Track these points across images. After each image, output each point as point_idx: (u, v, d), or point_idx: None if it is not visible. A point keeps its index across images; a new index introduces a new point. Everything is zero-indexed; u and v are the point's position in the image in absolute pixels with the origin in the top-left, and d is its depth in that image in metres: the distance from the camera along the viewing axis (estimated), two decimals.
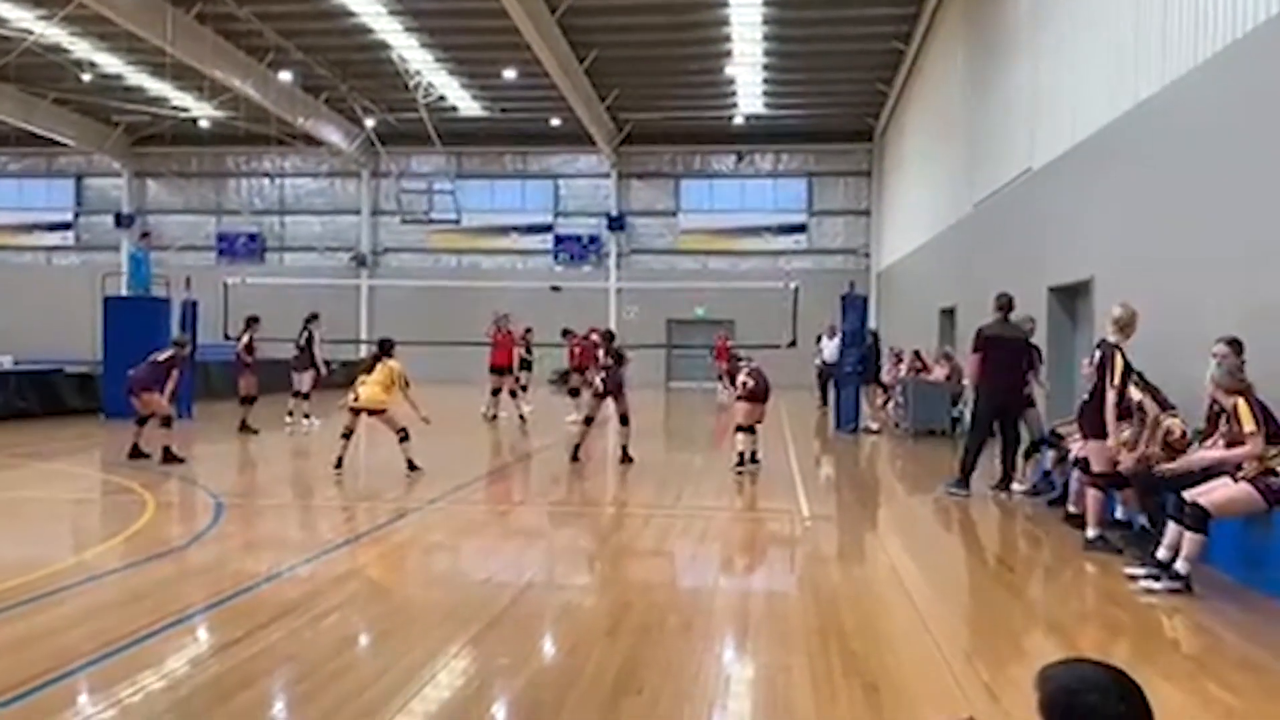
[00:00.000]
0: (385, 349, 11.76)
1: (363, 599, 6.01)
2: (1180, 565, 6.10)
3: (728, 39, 24.80)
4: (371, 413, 11.34)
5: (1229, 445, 6.29)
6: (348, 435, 11.29)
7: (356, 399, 11.30)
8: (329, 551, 7.23)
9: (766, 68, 27.10)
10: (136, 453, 11.93)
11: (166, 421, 12.03)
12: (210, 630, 5.27)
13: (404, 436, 11.26)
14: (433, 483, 10.52)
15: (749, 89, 29.08)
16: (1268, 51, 7.63)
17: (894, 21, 23.65)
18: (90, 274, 25.79)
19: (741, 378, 12.08)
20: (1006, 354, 10.01)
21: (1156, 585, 6.15)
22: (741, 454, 11.69)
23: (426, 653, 4.82)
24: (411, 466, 11.14)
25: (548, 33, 22.63)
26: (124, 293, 19.14)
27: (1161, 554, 6.28)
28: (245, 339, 16.19)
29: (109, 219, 36.75)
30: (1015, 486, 10.01)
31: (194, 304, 18.25)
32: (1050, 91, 13.31)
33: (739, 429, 11.81)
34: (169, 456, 11.68)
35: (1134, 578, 6.36)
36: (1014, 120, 15.11)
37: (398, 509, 9.04)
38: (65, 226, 37.43)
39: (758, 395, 11.80)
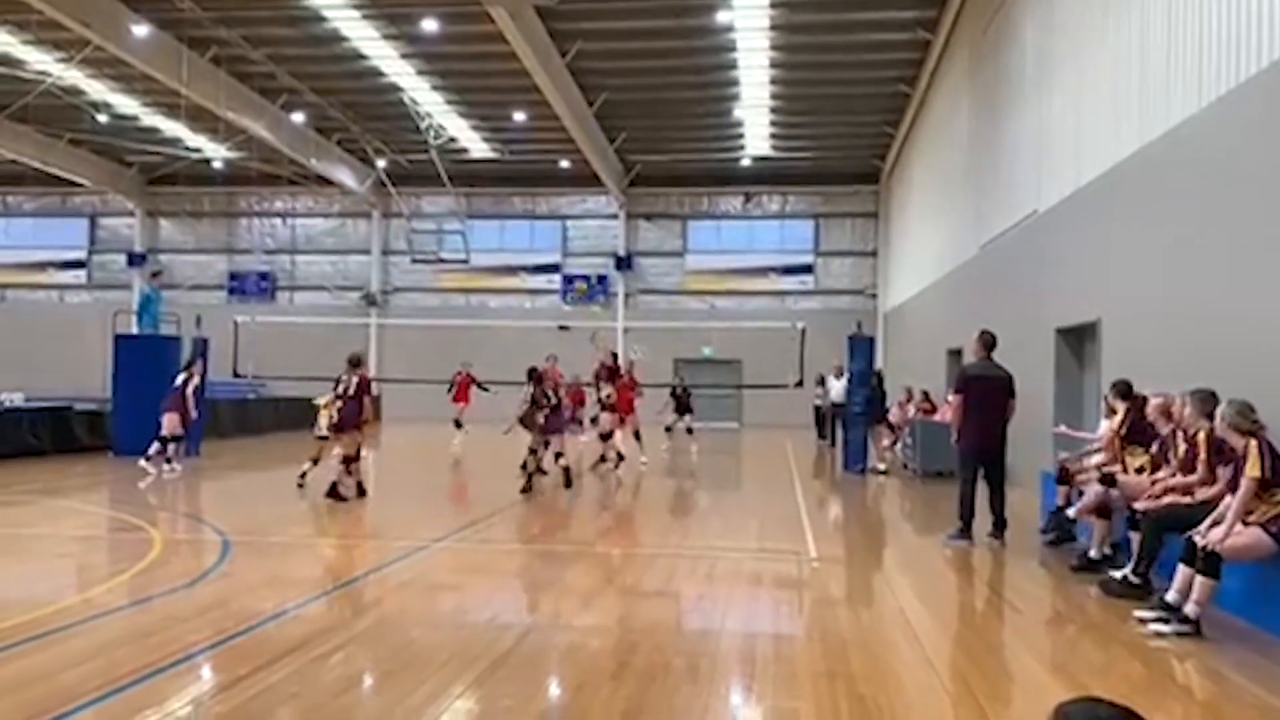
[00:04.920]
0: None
1: (367, 638, 5.98)
2: (1190, 609, 6.05)
3: (735, 82, 25.06)
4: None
5: (1233, 486, 6.26)
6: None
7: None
8: (334, 590, 7.21)
9: (774, 110, 27.36)
10: (334, 492, 12.02)
11: (346, 461, 12.21)
12: (214, 669, 5.25)
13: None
14: (439, 521, 10.50)
15: (756, 131, 29.35)
16: (1270, 95, 7.69)
17: (900, 65, 23.90)
18: (102, 312, 25.98)
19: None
20: (989, 394, 9.76)
21: (1166, 628, 6.10)
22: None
23: (430, 693, 4.79)
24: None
25: (557, 76, 22.90)
26: (135, 331, 19.27)
27: (1171, 596, 6.23)
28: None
29: (121, 258, 37.08)
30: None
31: (205, 342, 18.35)
32: (1057, 133, 13.40)
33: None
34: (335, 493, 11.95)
35: (1143, 620, 6.30)
36: (1021, 162, 15.20)
37: (403, 548, 9.01)
38: (78, 265, 37.77)
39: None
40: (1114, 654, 5.98)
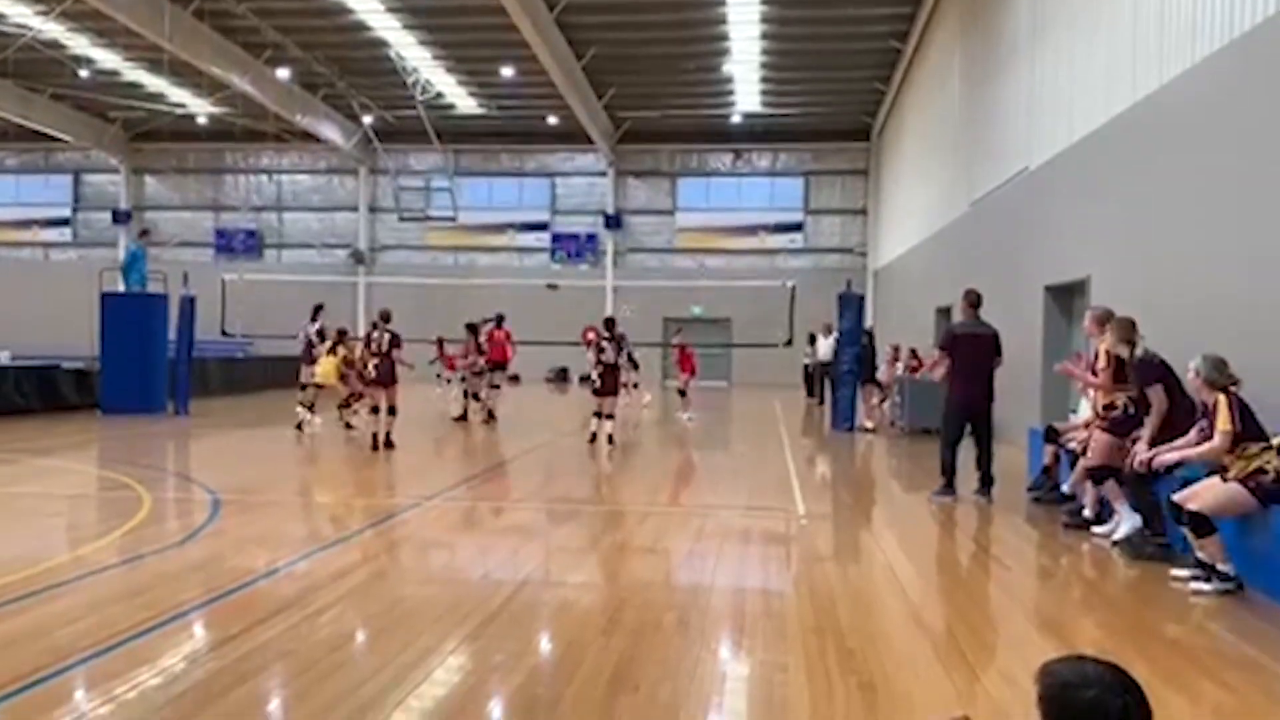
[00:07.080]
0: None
1: (359, 595, 6.01)
2: (1223, 566, 6.04)
3: (726, 37, 24.81)
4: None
5: (1200, 441, 6.29)
6: None
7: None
8: (325, 548, 7.24)
9: (764, 66, 27.12)
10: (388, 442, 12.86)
11: (392, 410, 12.98)
12: (206, 626, 5.27)
13: None
14: (429, 479, 10.52)
15: (747, 87, 29.10)
16: (1261, 53, 7.65)
17: (892, 20, 23.68)
18: (88, 270, 25.74)
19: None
20: (976, 352, 9.75)
21: (1206, 586, 6.08)
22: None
23: (422, 649, 4.83)
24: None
25: (545, 30, 22.62)
26: (121, 289, 19.13)
27: (1201, 555, 6.22)
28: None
29: (107, 215, 36.72)
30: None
31: (192, 300, 18.23)
32: (1048, 91, 13.32)
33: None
34: (388, 443, 12.76)
35: (1178, 579, 6.29)
36: (1011, 119, 15.12)
37: (394, 505, 9.03)
38: (63, 223, 37.40)
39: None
40: (1096, 606, 6.05)
